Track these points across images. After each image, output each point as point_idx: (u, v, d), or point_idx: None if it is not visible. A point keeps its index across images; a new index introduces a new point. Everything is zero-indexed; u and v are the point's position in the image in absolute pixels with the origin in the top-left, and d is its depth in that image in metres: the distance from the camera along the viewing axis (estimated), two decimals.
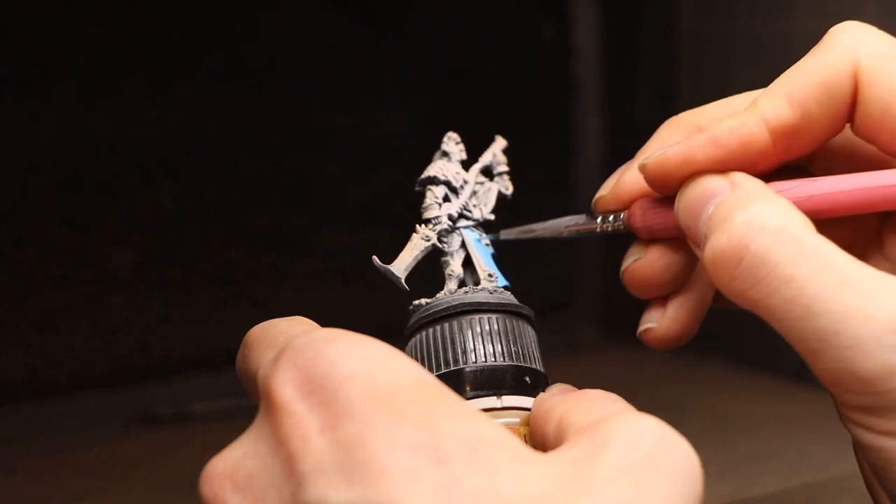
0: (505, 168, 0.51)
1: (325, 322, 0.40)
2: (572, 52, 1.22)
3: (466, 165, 0.52)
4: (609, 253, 1.22)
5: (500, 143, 0.52)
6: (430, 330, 0.44)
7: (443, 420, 0.33)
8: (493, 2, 1.19)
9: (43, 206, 1.00)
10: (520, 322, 0.45)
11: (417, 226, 0.48)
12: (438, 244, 0.47)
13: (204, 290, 1.06)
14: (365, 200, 1.10)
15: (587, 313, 1.23)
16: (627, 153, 0.50)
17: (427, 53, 1.15)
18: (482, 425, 0.34)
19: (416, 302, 0.45)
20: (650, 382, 1.06)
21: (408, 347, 0.45)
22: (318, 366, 0.35)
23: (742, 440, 0.96)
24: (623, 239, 0.49)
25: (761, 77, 1.21)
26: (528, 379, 0.43)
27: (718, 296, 0.49)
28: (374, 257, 0.47)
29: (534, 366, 0.44)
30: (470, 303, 0.44)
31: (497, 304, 0.44)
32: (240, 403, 0.97)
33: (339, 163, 1.10)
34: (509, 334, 0.44)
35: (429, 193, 0.49)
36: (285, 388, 0.35)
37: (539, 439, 0.39)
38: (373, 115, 1.11)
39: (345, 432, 0.33)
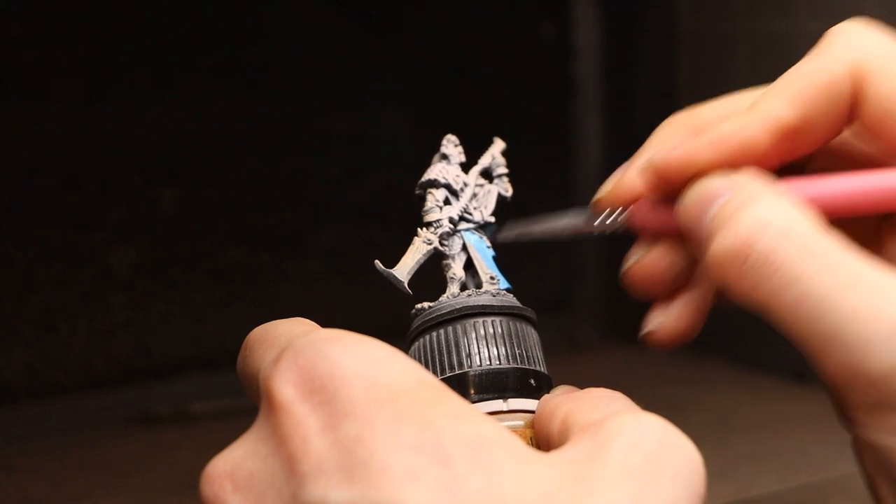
0: (504, 170, 0.51)
1: (325, 322, 0.40)
2: (572, 52, 1.22)
3: (466, 167, 0.52)
4: (609, 253, 1.22)
5: (498, 144, 0.51)
6: (434, 334, 0.44)
7: (445, 420, 0.33)
8: (493, 2, 1.19)
9: (43, 206, 0.99)
10: (523, 324, 0.45)
11: (419, 229, 0.48)
12: (440, 247, 0.47)
13: (204, 290, 1.06)
14: (365, 200, 1.10)
15: (587, 313, 1.23)
16: (627, 153, 0.50)
17: (427, 53, 1.14)
18: (484, 426, 0.34)
19: (419, 306, 0.45)
20: (650, 382, 1.06)
21: (411, 351, 0.45)
22: (319, 365, 0.35)
23: (742, 440, 0.95)
24: (624, 239, 0.49)
25: (761, 77, 1.21)
26: (532, 381, 0.43)
27: (719, 295, 0.49)
28: (377, 262, 0.46)
29: (537, 368, 0.44)
30: (473, 306, 0.44)
31: (500, 307, 0.44)
32: (240, 403, 0.97)
33: (339, 163, 1.10)
34: (513, 337, 0.44)
35: (429, 197, 0.48)
36: (286, 387, 0.35)
37: (544, 439, 0.39)
38: (373, 115, 1.11)
39: (346, 432, 0.33)
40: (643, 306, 0.49)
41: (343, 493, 0.32)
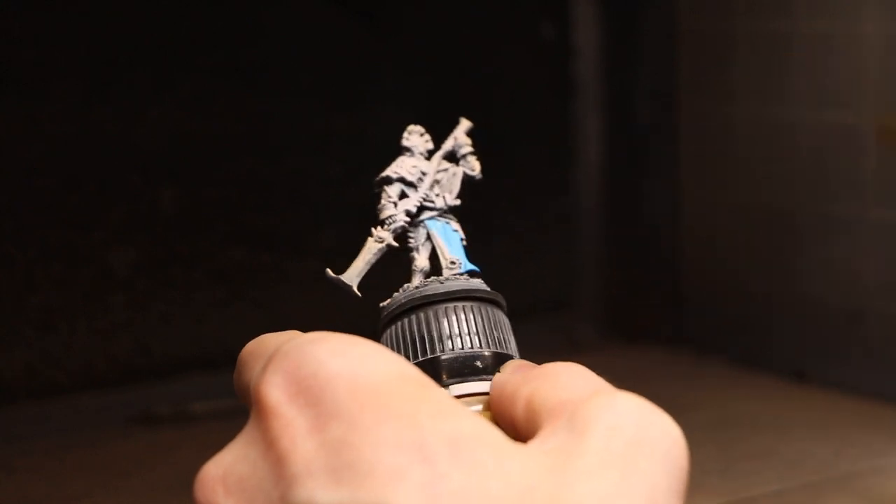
0: (469, 149, 0.51)
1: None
2: (572, 52, 1.22)
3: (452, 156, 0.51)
4: (609, 252, 1.22)
5: (463, 125, 0.51)
6: (387, 332, 0.44)
7: (426, 417, 0.33)
8: (493, 2, 1.19)
9: (43, 206, 1.00)
10: (478, 305, 0.44)
11: (372, 229, 0.48)
12: (395, 244, 0.47)
13: (204, 290, 1.06)
14: (365, 200, 1.10)
15: (586, 313, 1.23)
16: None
17: (427, 53, 1.15)
18: (463, 421, 0.34)
19: (381, 304, 0.45)
20: (649, 382, 1.05)
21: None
22: (304, 367, 0.35)
23: (742, 440, 0.96)
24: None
25: (761, 77, 1.22)
26: (480, 364, 0.43)
27: None
28: (328, 270, 0.47)
29: (488, 349, 0.43)
30: (418, 297, 0.44)
31: (446, 294, 0.44)
32: (240, 403, 0.97)
33: (338, 163, 1.11)
34: (461, 322, 0.44)
35: (382, 194, 0.49)
36: (273, 391, 0.35)
37: (507, 423, 0.38)
38: (373, 115, 1.11)
39: (332, 432, 0.33)
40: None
41: (331, 495, 0.33)
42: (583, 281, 1.23)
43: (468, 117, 0.53)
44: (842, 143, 1.04)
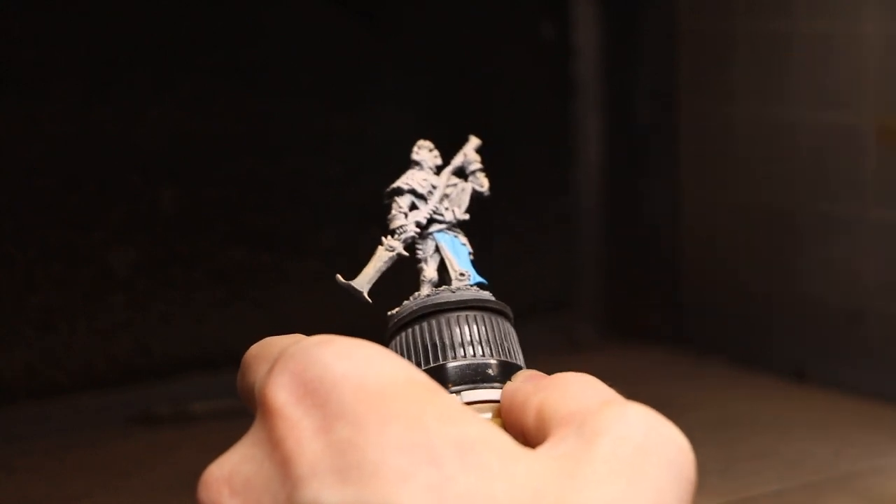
0: (478, 166, 0.51)
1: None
2: (572, 52, 1.22)
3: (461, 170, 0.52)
4: (609, 252, 1.22)
5: (472, 142, 0.52)
6: (396, 339, 0.45)
7: (433, 419, 0.33)
8: (493, 2, 1.19)
9: (43, 206, 1.00)
10: (488, 316, 0.45)
11: (383, 237, 0.49)
12: (405, 253, 0.48)
13: (204, 290, 1.06)
14: (365, 200, 1.10)
15: (586, 313, 1.23)
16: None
17: (427, 53, 1.15)
18: (471, 424, 0.34)
19: (389, 313, 0.46)
20: (649, 382, 1.06)
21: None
22: (311, 369, 0.35)
23: (742, 440, 0.96)
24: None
25: (761, 77, 1.22)
26: (490, 372, 0.43)
27: None
28: (339, 276, 0.47)
29: (496, 358, 0.44)
30: (429, 305, 0.44)
31: (457, 303, 0.45)
32: (240, 404, 0.97)
33: (339, 163, 1.11)
34: (470, 331, 0.44)
35: (394, 205, 0.49)
36: (280, 393, 0.35)
37: (518, 431, 0.39)
38: (373, 115, 1.11)
39: (338, 434, 0.33)
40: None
41: (336, 495, 0.33)
42: (583, 281, 1.23)
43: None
44: (842, 143, 1.04)
